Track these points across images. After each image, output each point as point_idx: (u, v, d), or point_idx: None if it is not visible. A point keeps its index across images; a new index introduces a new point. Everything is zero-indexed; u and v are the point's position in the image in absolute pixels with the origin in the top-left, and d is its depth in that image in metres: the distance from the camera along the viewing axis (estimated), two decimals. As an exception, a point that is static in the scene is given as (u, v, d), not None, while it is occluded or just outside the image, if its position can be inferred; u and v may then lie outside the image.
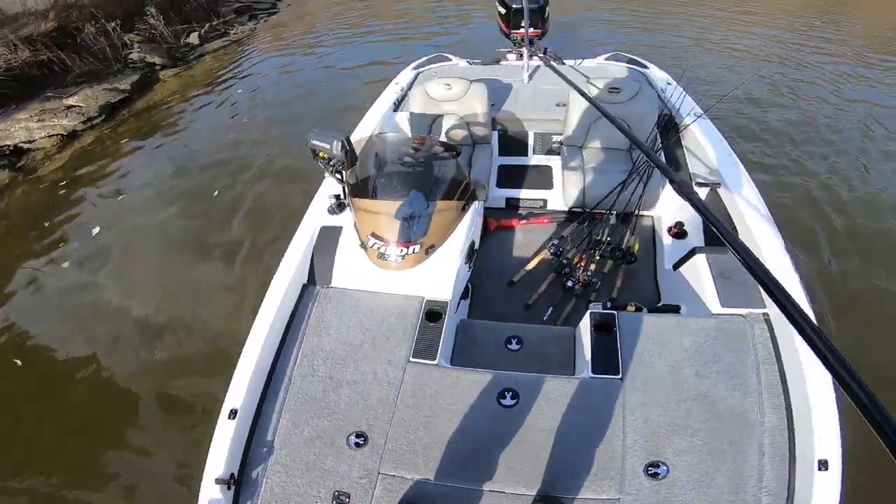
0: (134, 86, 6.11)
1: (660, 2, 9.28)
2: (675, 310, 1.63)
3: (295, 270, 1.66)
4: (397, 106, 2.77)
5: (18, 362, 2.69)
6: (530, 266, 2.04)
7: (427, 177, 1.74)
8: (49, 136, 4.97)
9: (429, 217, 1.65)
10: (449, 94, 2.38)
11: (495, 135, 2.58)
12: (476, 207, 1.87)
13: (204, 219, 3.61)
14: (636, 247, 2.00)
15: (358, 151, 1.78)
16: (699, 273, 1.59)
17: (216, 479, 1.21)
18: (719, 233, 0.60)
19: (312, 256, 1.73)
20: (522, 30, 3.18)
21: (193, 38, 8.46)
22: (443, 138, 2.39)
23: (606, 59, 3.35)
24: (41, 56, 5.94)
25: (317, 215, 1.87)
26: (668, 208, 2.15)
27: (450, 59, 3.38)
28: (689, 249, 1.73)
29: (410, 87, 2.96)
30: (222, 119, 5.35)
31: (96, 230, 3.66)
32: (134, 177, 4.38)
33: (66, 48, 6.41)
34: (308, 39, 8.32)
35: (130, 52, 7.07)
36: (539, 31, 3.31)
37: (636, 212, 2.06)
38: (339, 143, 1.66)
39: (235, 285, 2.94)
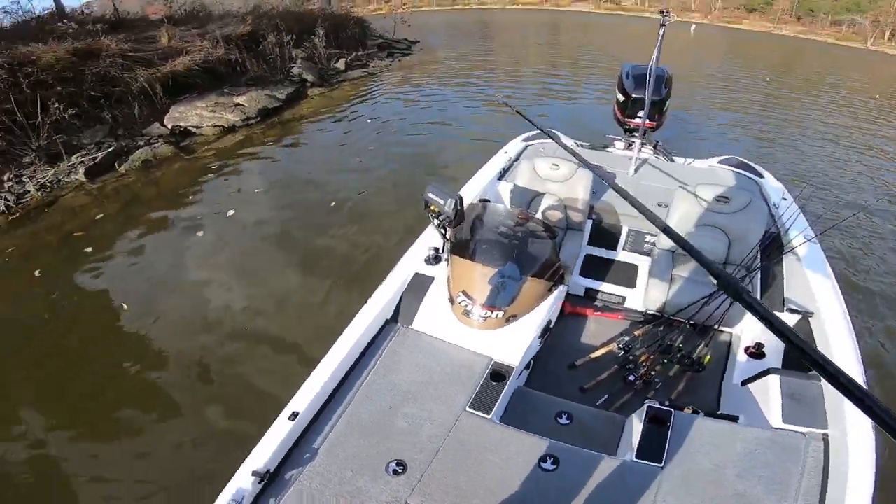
0: (288, 97, 7.13)
1: (791, 107, 8.94)
2: (732, 420, 1.64)
3: (383, 305, 1.82)
4: (503, 174, 2.85)
5: (125, 306, 3.17)
6: (595, 354, 2.09)
7: (525, 252, 1.88)
8: (214, 126, 5.94)
9: (518, 289, 1.78)
10: (555, 174, 2.46)
11: (589, 223, 2.60)
12: (560, 290, 1.97)
13: (316, 223, 4.07)
14: (707, 358, 1.98)
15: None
16: (767, 391, 1.59)
17: (253, 471, 1.27)
18: (796, 345, 0.52)
19: (401, 297, 1.89)
20: (638, 119, 3.12)
21: (340, 64, 9.72)
22: (539, 216, 2.47)
23: (720, 162, 3.21)
24: (231, 55, 7.20)
25: (413, 261, 2.02)
26: (750, 328, 2.10)
27: (558, 137, 3.52)
28: (763, 369, 1.73)
29: (517, 157, 3.07)
30: (351, 140, 6.07)
31: (231, 212, 4.28)
32: (269, 174, 5.08)
33: (250, 52, 7.71)
34: (431, 86, 9.17)
35: (293, 67, 8.30)
36: (655, 123, 3.26)
37: (716, 326, 2.03)
38: (453, 202, 1.78)
39: (324, 296, 3.19)
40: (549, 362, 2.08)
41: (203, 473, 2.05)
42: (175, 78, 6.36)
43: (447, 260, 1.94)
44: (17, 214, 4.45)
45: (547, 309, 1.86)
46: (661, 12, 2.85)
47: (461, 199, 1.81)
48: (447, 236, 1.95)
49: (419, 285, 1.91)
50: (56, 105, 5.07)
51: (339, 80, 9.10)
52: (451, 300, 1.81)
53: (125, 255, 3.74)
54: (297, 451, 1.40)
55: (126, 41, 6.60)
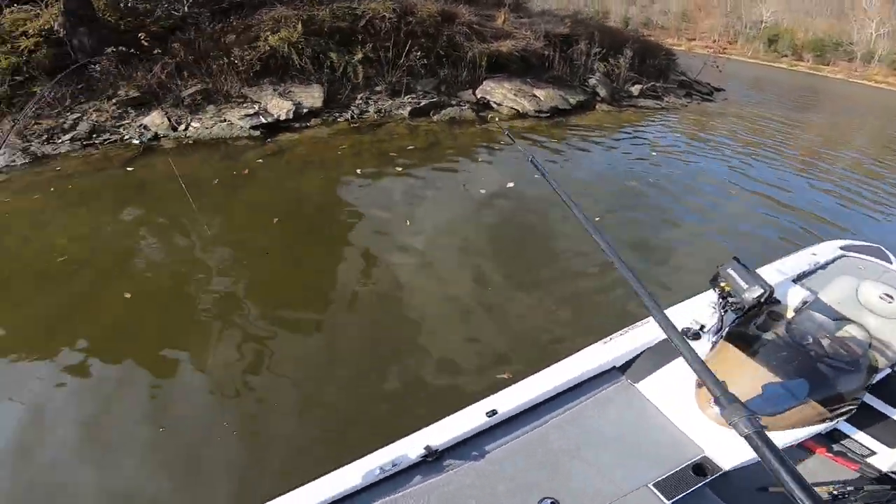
0: (577, 103, 7.09)
1: None
2: None
3: (618, 353, 1.74)
4: (800, 277, 2.48)
5: (408, 223, 3.51)
6: None
7: (826, 375, 1.68)
8: (510, 108, 6.34)
9: (791, 407, 1.61)
10: (883, 307, 2.08)
11: (886, 372, 2.21)
12: (829, 425, 1.79)
13: (578, 238, 3.66)
14: None
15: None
16: None
17: (427, 445, 1.31)
18: None
19: (640, 354, 1.80)
20: None
21: (634, 89, 9.16)
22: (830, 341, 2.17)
23: None
24: (545, 51, 7.62)
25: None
26: None
27: (890, 262, 2.84)
28: None
29: (826, 265, 2.64)
30: (626, 164, 5.54)
31: (510, 184, 4.41)
32: (544, 166, 5.03)
33: (559, 52, 8.03)
34: (724, 144, 7.52)
35: (590, 78, 8.26)
36: None
37: None
38: (760, 292, 1.63)
39: (559, 314, 2.80)
40: (743, 476, 1.89)
41: (378, 407, 2.09)
42: (497, 57, 7.06)
43: (713, 343, 1.81)
44: (357, 125, 5.69)
45: (802, 437, 1.72)
46: None
47: (772, 292, 1.70)
48: (724, 320, 1.81)
49: (665, 351, 1.80)
50: (417, 53, 6.25)
51: (629, 103, 8.59)
52: (700, 384, 1.66)
53: (420, 182, 4.27)
54: (469, 444, 1.42)
55: (475, 14, 7.67)
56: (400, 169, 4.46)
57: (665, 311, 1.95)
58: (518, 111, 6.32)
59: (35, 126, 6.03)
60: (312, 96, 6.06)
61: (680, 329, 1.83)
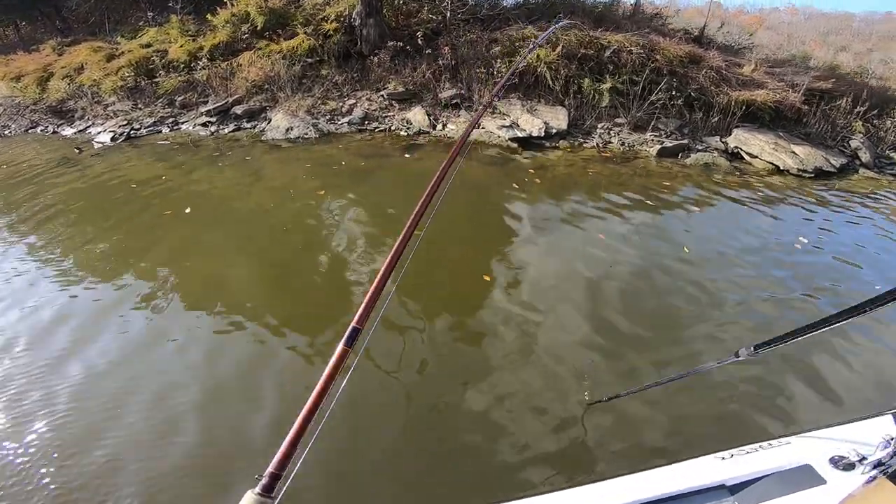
0: (841, 166, 6.54)
1: None
2: None
3: (734, 469, 1.61)
4: None
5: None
6: None
7: None
8: (767, 162, 6.13)
9: None
10: None
11: None
12: None
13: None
14: None
15: None
16: None
17: None
18: None
19: (763, 476, 1.65)
20: None
21: (899, 158, 8.08)
22: None
23: None
24: (802, 105, 7.19)
25: (814, 449, 1.74)
26: None
27: None
28: None
29: None
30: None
31: (804, 240, 4.29)
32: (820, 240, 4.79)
33: (817, 106, 7.48)
34: None
35: (851, 139, 7.52)
36: None
37: None
38: None
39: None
40: None
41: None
42: (748, 105, 6.88)
43: (871, 479, 1.57)
44: (606, 154, 6.09)
45: None
46: None
47: None
48: None
49: (794, 480, 1.60)
50: (668, 93, 6.44)
51: (892, 172, 7.62)
52: None
53: (695, 218, 4.42)
54: None
55: (722, 60, 7.56)
56: (670, 201, 4.70)
57: (819, 431, 1.78)
58: (777, 167, 6.08)
59: (322, 106, 7.62)
60: (557, 118, 6.63)
61: (831, 456, 1.68)
